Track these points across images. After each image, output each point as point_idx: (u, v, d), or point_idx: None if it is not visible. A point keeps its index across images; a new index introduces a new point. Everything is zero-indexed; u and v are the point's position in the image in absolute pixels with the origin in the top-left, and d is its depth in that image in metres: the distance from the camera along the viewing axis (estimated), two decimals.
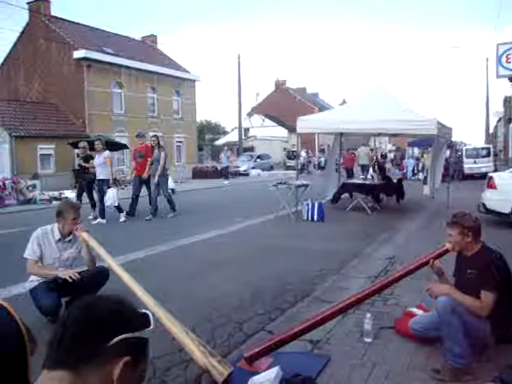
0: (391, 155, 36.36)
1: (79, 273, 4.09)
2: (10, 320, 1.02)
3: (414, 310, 3.76)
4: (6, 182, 14.92)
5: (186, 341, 2.90)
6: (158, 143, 10.71)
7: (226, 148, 25.96)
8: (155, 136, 10.95)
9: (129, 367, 0.89)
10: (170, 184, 15.40)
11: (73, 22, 26.25)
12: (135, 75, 25.53)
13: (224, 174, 23.63)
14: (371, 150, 23.47)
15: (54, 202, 13.47)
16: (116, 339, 0.88)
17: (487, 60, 29.50)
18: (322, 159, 33.68)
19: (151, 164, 10.54)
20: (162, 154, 10.55)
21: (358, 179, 16.52)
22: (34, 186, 15.38)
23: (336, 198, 12.26)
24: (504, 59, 15.59)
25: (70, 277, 3.88)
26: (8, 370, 0.94)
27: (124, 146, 18.95)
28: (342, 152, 16.36)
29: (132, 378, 0.92)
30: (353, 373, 3.01)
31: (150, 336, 0.96)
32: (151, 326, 0.96)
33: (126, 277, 3.42)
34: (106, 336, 0.88)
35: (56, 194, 15.16)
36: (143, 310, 1.00)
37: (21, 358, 0.96)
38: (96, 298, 0.98)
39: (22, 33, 24.87)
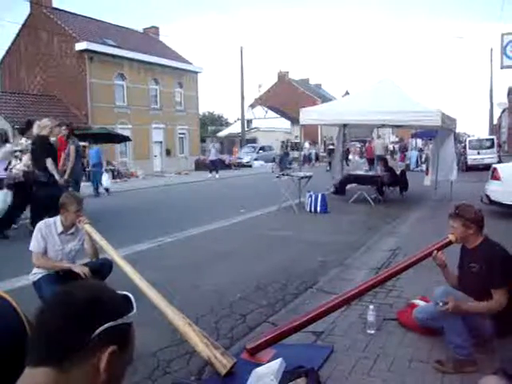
0: (391, 147, 36.08)
1: (83, 265, 4.13)
2: (12, 312, 1.02)
3: (417, 301, 3.76)
4: None
5: (189, 332, 2.91)
6: (71, 133, 9.00)
7: (214, 140, 24.89)
8: (66, 125, 9.17)
9: (115, 355, 0.85)
10: (106, 183, 14.67)
11: (74, 14, 26.18)
12: (137, 67, 25.47)
13: (213, 167, 21.54)
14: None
15: None
16: (98, 330, 0.83)
17: (491, 50, 29.27)
18: (313, 151, 32.43)
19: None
20: (72, 147, 8.57)
21: (361, 170, 16.48)
22: None
23: (338, 189, 12.23)
24: (509, 49, 15.45)
25: (84, 274, 3.89)
26: (10, 359, 0.95)
27: (126, 139, 18.95)
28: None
29: (120, 364, 0.88)
30: (356, 364, 3.02)
31: (134, 319, 0.90)
32: (134, 310, 0.91)
33: (128, 269, 3.42)
34: (87, 328, 0.83)
35: None
36: (124, 293, 0.94)
37: (23, 349, 0.96)
38: (72, 289, 0.90)
39: (24, 25, 24.80)
